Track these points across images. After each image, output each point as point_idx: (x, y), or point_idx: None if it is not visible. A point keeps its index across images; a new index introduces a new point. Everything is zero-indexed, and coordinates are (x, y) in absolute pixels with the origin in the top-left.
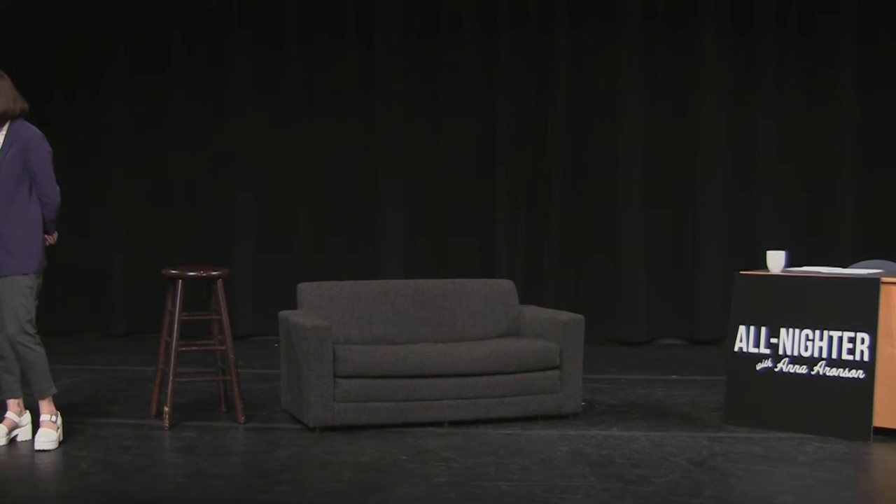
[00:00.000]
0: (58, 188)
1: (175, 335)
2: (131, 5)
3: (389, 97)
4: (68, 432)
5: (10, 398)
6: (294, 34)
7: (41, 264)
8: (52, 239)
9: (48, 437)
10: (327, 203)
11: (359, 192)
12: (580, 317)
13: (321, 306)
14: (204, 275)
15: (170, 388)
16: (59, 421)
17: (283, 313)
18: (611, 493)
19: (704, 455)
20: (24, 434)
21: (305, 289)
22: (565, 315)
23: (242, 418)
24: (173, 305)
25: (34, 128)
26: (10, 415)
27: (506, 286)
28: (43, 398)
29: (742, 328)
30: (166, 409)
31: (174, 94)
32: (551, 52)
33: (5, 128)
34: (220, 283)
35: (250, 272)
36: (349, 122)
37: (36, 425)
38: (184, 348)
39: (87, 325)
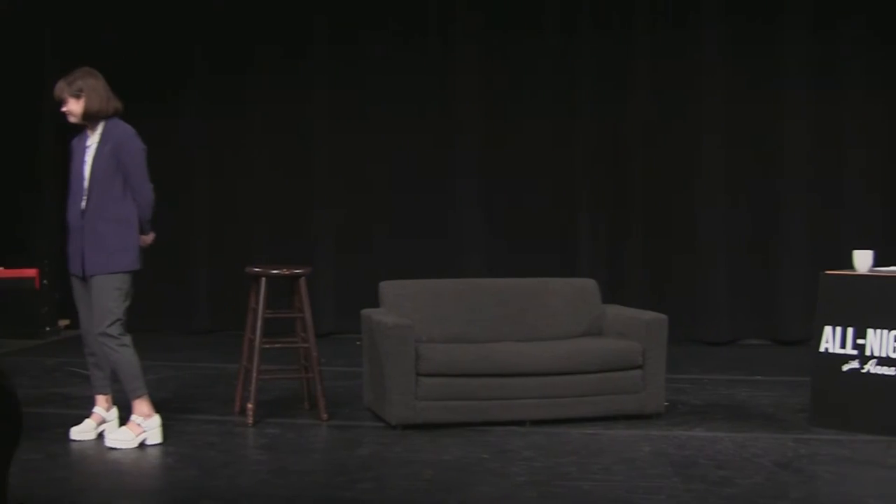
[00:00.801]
0: (151, 186)
1: (259, 333)
2: (210, 4)
3: (469, 96)
4: None
5: (99, 394)
6: (372, 32)
7: (132, 264)
8: (148, 239)
9: (123, 436)
10: (410, 201)
11: (440, 190)
12: (663, 316)
13: (403, 304)
14: (287, 273)
15: (253, 386)
16: (153, 423)
17: (365, 311)
18: (694, 494)
19: (790, 457)
20: (110, 429)
21: (388, 287)
22: (648, 314)
23: (325, 416)
24: (257, 303)
25: (128, 126)
26: (98, 409)
27: (588, 285)
28: (131, 399)
29: (828, 328)
30: (250, 406)
31: (253, 94)
32: (631, 50)
33: (100, 127)
34: (303, 280)
35: (333, 270)
36: (430, 120)
37: (123, 422)
38: (267, 346)
39: (171, 323)
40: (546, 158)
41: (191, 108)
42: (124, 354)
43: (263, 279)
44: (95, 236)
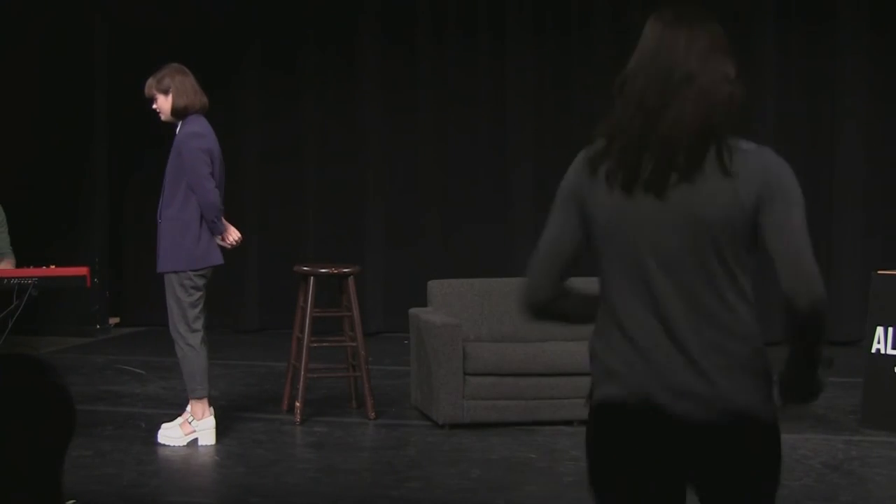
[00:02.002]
0: (210, 186)
1: (307, 331)
2: (264, 2)
3: (520, 94)
4: None
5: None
6: (425, 30)
7: (196, 264)
8: (224, 240)
9: (173, 433)
10: (457, 200)
11: (489, 189)
12: None
13: (451, 303)
14: (336, 272)
15: (301, 384)
16: (206, 424)
17: (413, 310)
18: None
19: (840, 459)
20: (165, 425)
21: (435, 286)
22: None
23: (373, 414)
24: (305, 302)
25: (194, 125)
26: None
27: None
28: (190, 397)
29: (880, 329)
30: (298, 404)
31: (305, 92)
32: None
33: (179, 125)
34: (351, 280)
35: (381, 269)
36: (480, 119)
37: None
38: (315, 344)
39: (221, 321)
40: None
41: (241, 105)
42: (187, 353)
43: (312, 278)
44: (161, 236)
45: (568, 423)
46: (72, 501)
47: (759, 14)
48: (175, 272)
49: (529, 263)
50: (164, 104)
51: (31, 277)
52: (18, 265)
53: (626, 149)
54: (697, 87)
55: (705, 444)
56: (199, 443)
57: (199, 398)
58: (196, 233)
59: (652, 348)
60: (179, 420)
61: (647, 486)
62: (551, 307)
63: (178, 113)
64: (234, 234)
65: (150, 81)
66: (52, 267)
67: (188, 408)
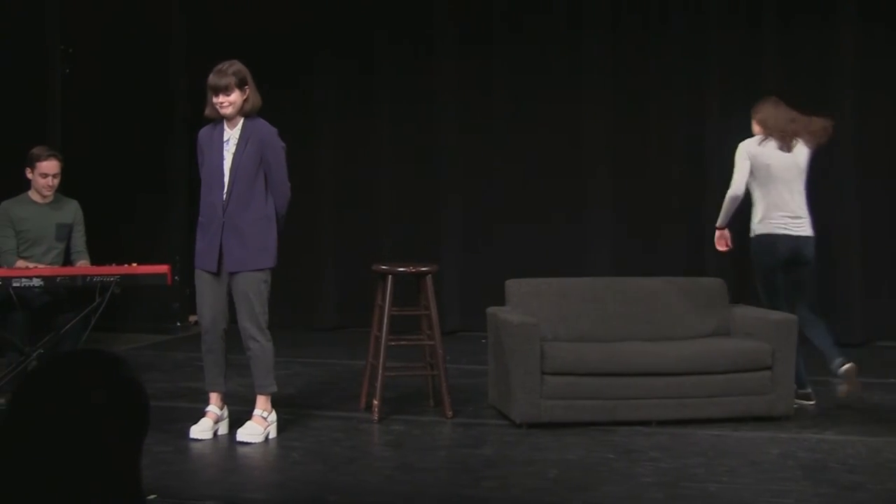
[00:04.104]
0: (289, 184)
1: (385, 330)
2: (337, 1)
3: (597, 95)
4: (281, 423)
5: (214, 391)
6: (500, 28)
7: (273, 261)
8: None
9: (254, 430)
10: (536, 199)
11: (568, 188)
12: (793, 317)
13: (529, 303)
14: (413, 270)
15: (379, 382)
16: (273, 418)
17: (490, 309)
18: (823, 498)
19: None
20: (223, 427)
21: (513, 285)
22: (777, 315)
23: (450, 413)
24: (383, 300)
25: (270, 125)
26: (213, 408)
27: (715, 285)
28: (262, 394)
29: None
30: (375, 402)
31: (380, 91)
32: (760, 47)
33: (239, 123)
34: (429, 278)
35: (458, 268)
36: (556, 119)
37: (244, 417)
38: (393, 343)
39: (299, 319)
40: (673, 156)
41: (316, 105)
42: (265, 350)
43: (390, 277)
44: (238, 233)
45: (645, 423)
46: (152, 497)
47: (835, 14)
48: (262, 269)
49: None
50: (238, 98)
51: (114, 275)
52: (99, 263)
53: None
54: None
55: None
56: (220, 432)
57: (272, 393)
58: (275, 229)
59: None
60: (255, 417)
61: None
62: None
63: (246, 110)
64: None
65: (229, 77)
66: (134, 265)
67: (260, 404)
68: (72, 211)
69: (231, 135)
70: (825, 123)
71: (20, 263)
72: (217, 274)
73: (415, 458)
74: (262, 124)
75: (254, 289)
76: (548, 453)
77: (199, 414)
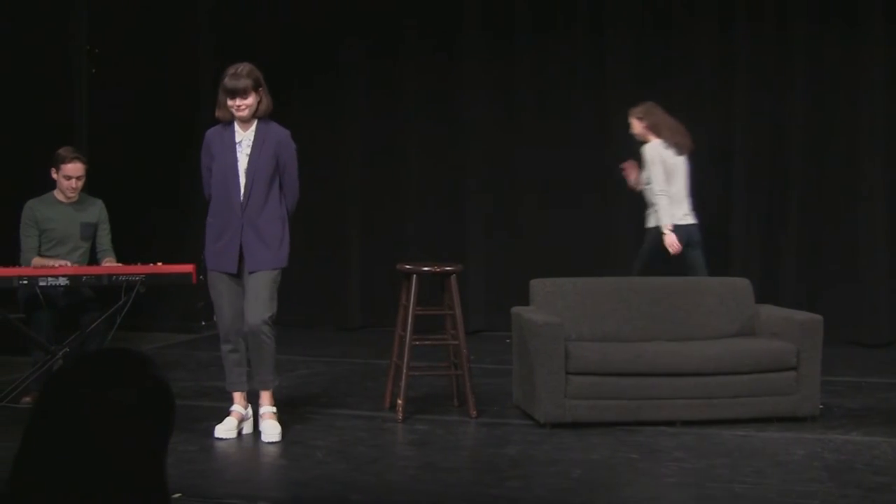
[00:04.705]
0: (298, 184)
1: (409, 329)
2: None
3: (621, 92)
4: (305, 422)
5: (237, 391)
6: (525, 26)
7: (287, 261)
8: None
9: (276, 429)
10: (559, 199)
11: (593, 188)
12: (818, 317)
13: (553, 302)
14: (438, 270)
15: (403, 382)
16: (250, 413)
17: (515, 309)
18: (849, 500)
19: None
20: (248, 427)
21: (538, 285)
22: (803, 315)
23: (474, 413)
24: (408, 300)
25: (281, 126)
26: (237, 407)
27: (741, 284)
28: (268, 389)
29: None
30: (400, 401)
31: (405, 90)
32: (790, 45)
33: (253, 125)
34: (453, 278)
35: (483, 268)
36: (580, 117)
37: (255, 417)
38: (417, 342)
39: (323, 318)
40: (700, 155)
41: (341, 103)
42: (272, 345)
43: (414, 276)
44: (258, 233)
45: (670, 423)
46: (177, 496)
47: (866, 13)
48: (278, 269)
49: None
50: (253, 101)
51: (139, 274)
52: (124, 262)
53: None
54: None
55: None
56: (244, 432)
57: (273, 387)
58: (288, 228)
59: None
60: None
61: None
62: None
63: (264, 112)
64: None
65: (246, 81)
66: (159, 264)
67: (267, 399)
68: (96, 210)
69: (244, 136)
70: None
71: (37, 261)
72: (235, 274)
73: (439, 458)
74: (277, 126)
75: (269, 286)
76: (572, 453)
77: (224, 413)
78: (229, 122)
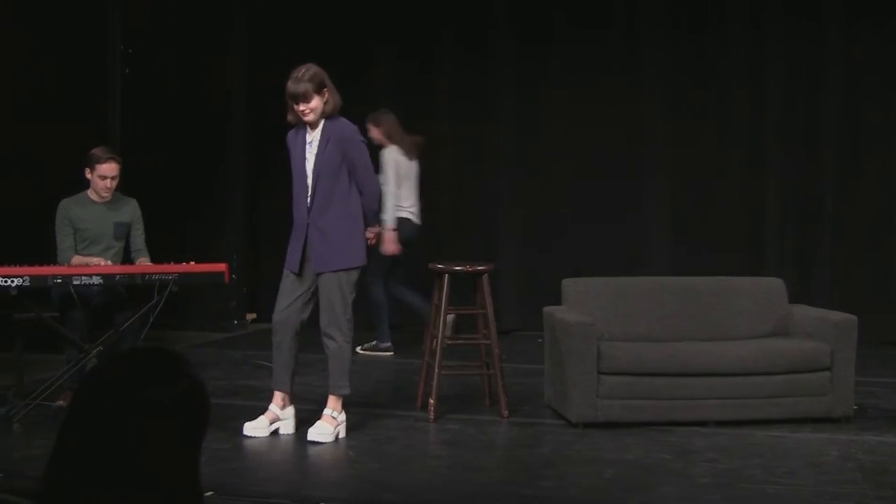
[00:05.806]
0: (377, 178)
1: (441, 329)
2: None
3: (654, 93)
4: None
5: (278, 390)
6: (558, 27)
7: (358, 260)
8: (372, 233)
9: (324, 430)
10: (592, 198)
11: (625, 188)
12: (853, 317)
13: (586, 302)
14: (470, 270)
15: (435, 381)
16: (342, 418)
17: (547, 309)
18: (884, 502)
19: None
20: (285, 427)
21: (570, 285)
22: (837, 315)
23: (506, 412)
24: (440, 299)
25: (349, 122)
26: (273, 407)
27: (774, 284)
28: (334, 394)
29: None
30: (432, 401)
31: (438, 90)
32: (823, 43)
33: (321, 125)
34: (485, 278)
35: (515, 267)
36: (615, 119)
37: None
38: (449, 342)
39: (356, 318)
40: (732, 155)
41: (375, 104)
42: (344, 350)
43: (447, 276)
44: (322, 233)
45: (703, 423)
46: (210, 493)
47: None
48: (346, 269)
49: None
50: (318, 104)
51: (172, 273)
52: (157, 262)
53: None
54: None
55: None
56: (281, 431)
57: (345, 394)
58: (363, 228)
59: None
60: (325, 416)
61: None
62: None
63: (328, 113)
64: (378, 227)
65: (306, 84)
66: (192, 263)
67: (331, 403)
68: (130, 210)
69: (314, 136)
70: (419, 140)
71: (77, 259)
72: (299, 274)
73: (470, 457)
74: (343, 123)
75: (336, 289)
76: (604, 453)
77: (257, 411)
78: (304, 123)
